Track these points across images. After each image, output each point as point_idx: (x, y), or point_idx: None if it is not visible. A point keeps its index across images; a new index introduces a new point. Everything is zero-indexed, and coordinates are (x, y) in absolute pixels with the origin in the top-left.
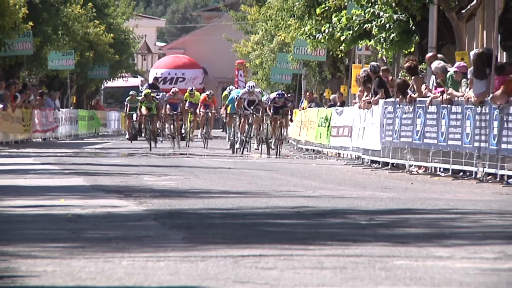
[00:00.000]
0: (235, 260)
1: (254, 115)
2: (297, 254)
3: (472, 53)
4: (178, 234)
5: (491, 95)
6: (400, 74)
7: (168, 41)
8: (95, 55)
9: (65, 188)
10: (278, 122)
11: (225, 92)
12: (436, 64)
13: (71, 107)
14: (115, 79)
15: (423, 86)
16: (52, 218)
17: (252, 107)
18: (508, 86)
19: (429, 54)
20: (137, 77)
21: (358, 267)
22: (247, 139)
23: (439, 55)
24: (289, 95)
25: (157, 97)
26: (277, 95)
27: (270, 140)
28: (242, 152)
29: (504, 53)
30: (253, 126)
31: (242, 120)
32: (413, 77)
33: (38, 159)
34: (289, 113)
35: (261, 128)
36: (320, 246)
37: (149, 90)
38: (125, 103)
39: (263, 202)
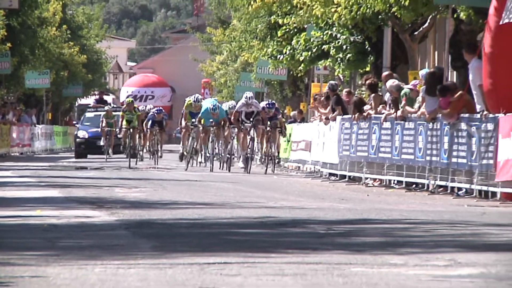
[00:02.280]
0: (201, 267)
1: (256, 128)
2: (259, 262)
3: (422, 72)
4: (148, 243)
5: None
6: (356, 92)
7: (138, 61)
8: (70, 74)
9: (41, 199)
10: (266, 135)
11: (189, 100)
12: (390, 82)
13: (47, 123)
14: (88, 97)
15: (381, 105)
16: (29, 228)
17: (251, 119)
18: (456, 105)
19: (385, 73)
20: (109, 95)
21: (317, 274)
22: (252, 155)
23: (394, 74)
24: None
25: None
26: (267, 105)
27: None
28: (249, 171)
29: (454, 72)
30: (256, 140)
31: (243, 135)
32: (372, 95)
33: (16, 172)
34: (279, 126)
35: (265, 142)
36: (281, 254)
37: (131, 99)
38: (101, 118)
39: (227, 212)
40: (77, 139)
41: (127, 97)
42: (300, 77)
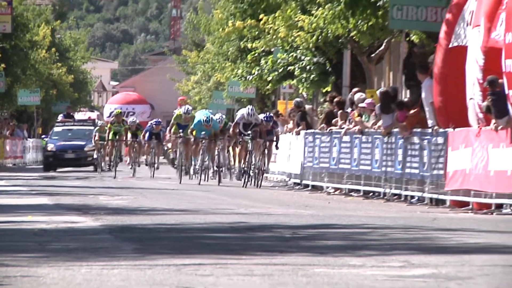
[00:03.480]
0: (178, 268)
1: (253, 141)
2: (231, 263)
3: (363, 95)
4: (129, 246)
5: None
6: (319, 109)
7: (120, 80)
8: (58, 92)
9: (32, 206)
10: (261, 148)
11: (179, 111)
12: (358, 95)
13: (37, 137)
14: (75, 113)
15: (347, 122)
16: (21, 232)
17: (249, 130)
18: (412, 120)
19: (354, 89)
20: (94, 111)
21: (283, 274)
22: (249, 170)
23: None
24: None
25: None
26: (265, 118)
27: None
28: (246, 185)
29: (408, 90)
30: (253, 154)
31: (240, 147)
32: (340, 111)
33: (9, 182)
34: (275, 140)
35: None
36: (251, 256)
37: (120, 110)
38: (94, 133)
39: (201, 218)
40: (46, 152)
41: (111, 113)
42: (267, 95)
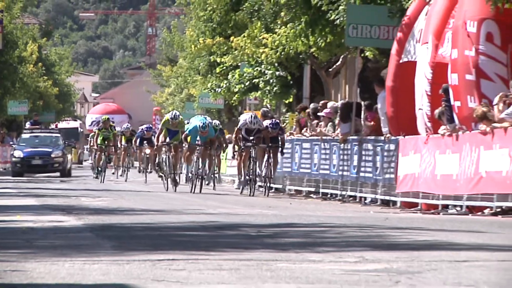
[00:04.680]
0: (153, 263)
1: (256, 148)
2: (201, 259)
3: (336, 103)
4: (109, 243)
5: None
6: (281, 119)
7: (101, 92)
8: (44, 103)
9: (21, 207)
10: (267, 155)
11: (166, 117)
12: (331, 104)
13: None
14: (59, 122)
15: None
16: (10, 230)
17: (252, 136)
18: (377, 123)
19: (323, 101)
20: (76, 120)
21: (249, 268)
22: (253, 177)
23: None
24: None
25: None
26: (271, 125)
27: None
28: (253, 193)
29: (362, 102)
30: (257, 161)
31: (244, 154)
32: (315, 121)
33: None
34: (280, 146)
35: (263, 162)
36: (220, 252)
37: (107, 116)
38: (89, 139)
39: (175, 218)
40: (13, 159)
41: (92, 122)
42: (234, 106)
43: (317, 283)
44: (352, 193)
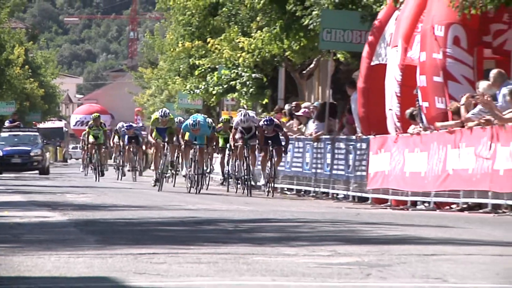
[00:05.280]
0: (135, 257)
1: (249, 147)
2: (181, 252)
3: (317, 103)
4: (93, 237)
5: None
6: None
7: (85, 94)
8: (31, 104)
9: (8, 203)
10: (268, 155)
11: (155, 116)
12: (307, 104)
13: None
14: (45, 122)
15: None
16: None
17: (248, 135)
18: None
19: (296, 103)
20: (61, 120)
21: (226, 262)
22: (249, 177)
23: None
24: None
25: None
26: (265, 122)
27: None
28: (250, 193)
29: (335, 103)
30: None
31: (238, 152)
32: (293, 120)
33: None
34: (284, 145)
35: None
36: (198, 246)
37: (97, 114)
38: (82, 138)
39: (156, 213)
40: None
41: (76, 121)
42: (213, 107)
43: (292, 276)
44: (325, 190)
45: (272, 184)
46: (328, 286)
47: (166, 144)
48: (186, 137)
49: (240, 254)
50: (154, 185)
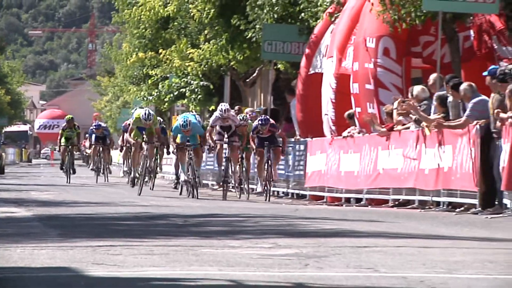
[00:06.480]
0: (94, 249)
1: (230, 147)
2: (136, 245)
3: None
4: (55, 231)
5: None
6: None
7: (48, 100)
8: None
9: None
10: (265, 157)
11: (138, 114)
12: (248, 110)
13: None
14: (11, 126)
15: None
16: None
17: (227, 134)
18: (292, 131)
19: (238, 107)
20: (26, 124)
21: (177, 253)
22: (228, 179)
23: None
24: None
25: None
26: (260, 122)
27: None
28: (225, 197)
29: (277, 108)
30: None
31: (218, 154)
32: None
33: None
34: (281, 145)
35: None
36: (151, 239)
37: (71, 116)
38: (58, 139)
39: (112, 209)
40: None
41: (40, 125)
42: (164, 112)
43: (237, 266)
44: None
45: (269, 188)
46: (269, 275)
47: (145, 144)
48: (178, 140)
49: (190, 246)
50: (133, 186)
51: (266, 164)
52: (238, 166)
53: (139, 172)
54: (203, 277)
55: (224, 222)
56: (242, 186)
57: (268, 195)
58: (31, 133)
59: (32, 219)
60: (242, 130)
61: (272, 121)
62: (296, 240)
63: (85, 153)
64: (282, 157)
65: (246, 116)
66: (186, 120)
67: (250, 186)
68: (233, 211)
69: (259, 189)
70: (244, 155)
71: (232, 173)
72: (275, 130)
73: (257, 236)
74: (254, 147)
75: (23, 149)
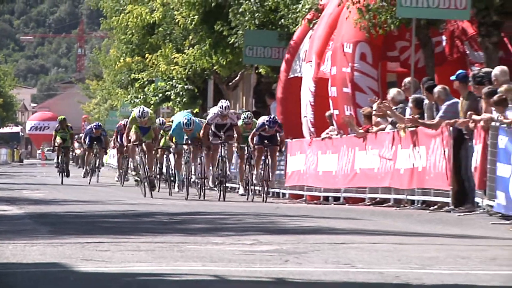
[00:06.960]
0: (82, 245)
1: (226, 145)
2: (123, 241)
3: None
4: (45, 228)
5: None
6: None
7: (38, 102)
8: None
9: None
10: (264, 156)
11: (133, 114)
12: (232, 111)
13: None
14: (3, 128)
15: None
16: None
17: (222, 132)
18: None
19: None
20: (18, 126)
21: (163, 249)
22: (224, 179)
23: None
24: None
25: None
26: (267, 122)
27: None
28: (223, 197)
29: (259, 111)
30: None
31: (213, 152)
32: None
33: None
34: (279, 144)
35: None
36: (138, 236)
37: (63, 116)
38: (52, 140)
39: (100, 207)
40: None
41: (31, 127)
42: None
43: (220, 262)
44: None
45: (266, 188)
46: (251, 271)
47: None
48: (174, 140)
49: (175, 243)
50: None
51: (263, 163)
52: (245, 166)
53: (140, 176)
54: (187, 273)
55: (208, 219)
56: (249, 187)
57: (266, 195)
58: (22, 134)
59: (23, 217)
60: (236, 129)
61: (279, 121)
62: (277, 237)
63: (74, 154)
64: (278, 157)
65: (250, 114)
66: (190, 119)
67: (232, 185)
68: (216, 209)
69: (242, 191)
70: (248, 155)
71: (226, 172)
72: (280, 131)
73: (240, 233)
74: (252, 145)
75: (15, 149)
